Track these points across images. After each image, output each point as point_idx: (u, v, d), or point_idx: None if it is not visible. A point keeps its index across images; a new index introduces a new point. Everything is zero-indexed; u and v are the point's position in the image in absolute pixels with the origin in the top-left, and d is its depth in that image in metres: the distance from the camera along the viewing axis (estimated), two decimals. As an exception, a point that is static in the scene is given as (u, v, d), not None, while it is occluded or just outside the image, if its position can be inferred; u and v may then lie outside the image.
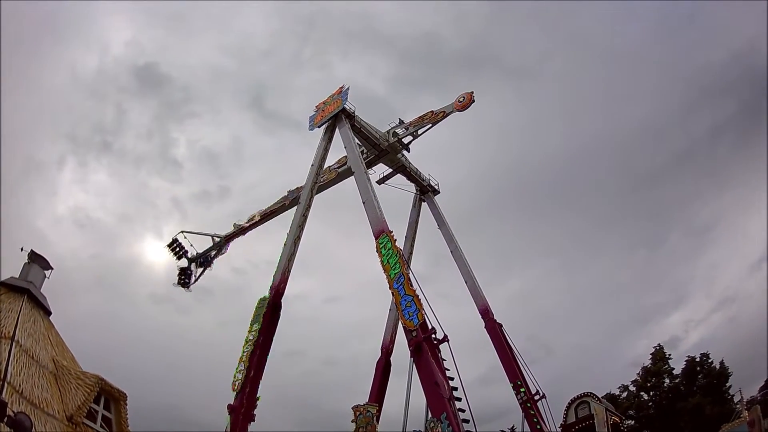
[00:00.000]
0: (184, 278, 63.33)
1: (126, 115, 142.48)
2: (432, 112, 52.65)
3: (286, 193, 58.40)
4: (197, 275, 63.86)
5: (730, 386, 62.95)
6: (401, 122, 53.91)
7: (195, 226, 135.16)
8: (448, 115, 51.83)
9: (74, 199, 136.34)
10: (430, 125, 52.72)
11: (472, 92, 51.61)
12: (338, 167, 54.80)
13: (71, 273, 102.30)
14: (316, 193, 51.69)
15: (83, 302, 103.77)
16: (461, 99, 51.61)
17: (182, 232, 63.83)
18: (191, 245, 63.67)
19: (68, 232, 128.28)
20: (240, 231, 62.66)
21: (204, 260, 63.70)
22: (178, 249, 63.40)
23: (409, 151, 54.41)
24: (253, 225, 61.98)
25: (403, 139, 53.30)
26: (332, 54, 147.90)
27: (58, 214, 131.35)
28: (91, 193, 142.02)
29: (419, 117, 53.13)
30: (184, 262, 63.58)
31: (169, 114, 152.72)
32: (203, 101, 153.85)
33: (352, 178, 48.42)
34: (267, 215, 60.46)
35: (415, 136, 53.60)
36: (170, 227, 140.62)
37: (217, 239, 63.54)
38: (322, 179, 53.55)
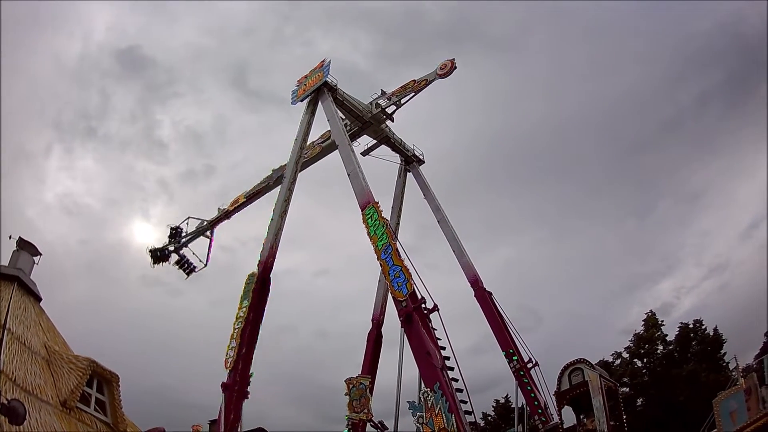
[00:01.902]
0: (159, 255, 64.28)
1: (110, 100, 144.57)
2: (414, 80, 53.53)
3: (270, 173, 59.30)
4: (171, 262, 65.00)
5: (724, 353, 63.66)
6: (383, 93, 54.76)
7: (182, 207, 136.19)
8: (430, 82, 52.74)
9: (62, 186, 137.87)
10: (413, 93, 53.49)
11: (454, 59, 52.69)
12: (322, 142, 55.83)
13: (61, 259, 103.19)
14: (302, 169, 52.79)
15: (74, 288, 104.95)
16: (443, 66, 52.56)
17: (189, 217, 65.12)
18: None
19: (57, 219, 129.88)
20: (225, 215, 63.41)
21: (185, 262, 64.59)
22: (173, 235, 64.59)
23: (393, 121, 55.33)
24: (237, 207, 62.58)
25: (386, 109, 54.11)
26: (314, 30, 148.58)
27: (46, 202, 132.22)
28: (78, 179, 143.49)
29: (401, 86, 54.00)
30: (174, 257, 64.73)
31: (153, 96, 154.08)
32: (186, 82, 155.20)
33: (336, 151, 49.18)
34: (252, 196, 61.07)
35: (399, 106, 54.37)
36: (158, 209, 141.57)
37: (204, 225, 64.25)
38: (307, 155, 54.51)
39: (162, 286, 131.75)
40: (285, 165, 53.42)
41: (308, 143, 54.45)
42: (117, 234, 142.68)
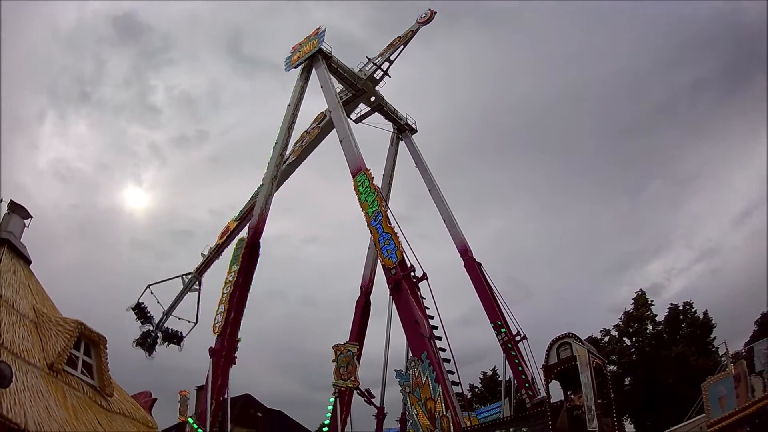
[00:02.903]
0: (149, 342, 57.16)
1: (105, 66, 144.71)
2: (399, 36, 55.33)
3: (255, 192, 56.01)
4: (161, 342, 57.84)
5: (714, 338, 64.63)
6: (369, 60, 55.53)
7: (173, 173, 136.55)
8: (415, 32, 54.81)
9: (55, 151, 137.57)
10: (402, 46, 55.02)
11: (434, 10, 55.66)
12: (318, 124, 55.70)
13: (52, 224, 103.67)
14: (303, 158, 53.32)
15: (65, 252, 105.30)
16: (423, 15, 55.43)
17: (149, 286, 57.28)
18: (158, 302, 57.78)
19: (50, 184, 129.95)
20: (215, 253, 58.46)
21: (172, 335, 57.58)
22: (141, 315, 57.25)
23: (389, 76, 56.01)
24: (229, 237, 57.26)
25: (382, 66, 55.17)
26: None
27: (39, 168, 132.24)
28: (72, 144, 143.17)
29: (389, 45, 55.61)
30: (147, 327, 57.80)
31: (148, 62, 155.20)
32: (181, 48, 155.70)
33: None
34: (243, 218, 56.84)
35: (391, 62, 55.31)
36: (150, 173, 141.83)
37: (187, 277, 58.74)
38: (304, 143, 55.43)
39: (151, 250, 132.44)
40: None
41: (304, 130, 55.62)
42: (109, 198, 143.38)
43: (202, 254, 58.70)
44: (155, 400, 36.21)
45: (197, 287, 58.06)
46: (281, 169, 52.02)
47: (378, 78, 55.33)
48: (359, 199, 39.84)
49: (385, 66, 55.12)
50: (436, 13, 55.08)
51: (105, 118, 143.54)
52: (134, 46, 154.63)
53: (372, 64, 55.20)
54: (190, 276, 58.15)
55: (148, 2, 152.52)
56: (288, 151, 53.77)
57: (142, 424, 26.71)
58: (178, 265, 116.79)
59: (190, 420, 40.72)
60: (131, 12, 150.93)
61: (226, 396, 42.28)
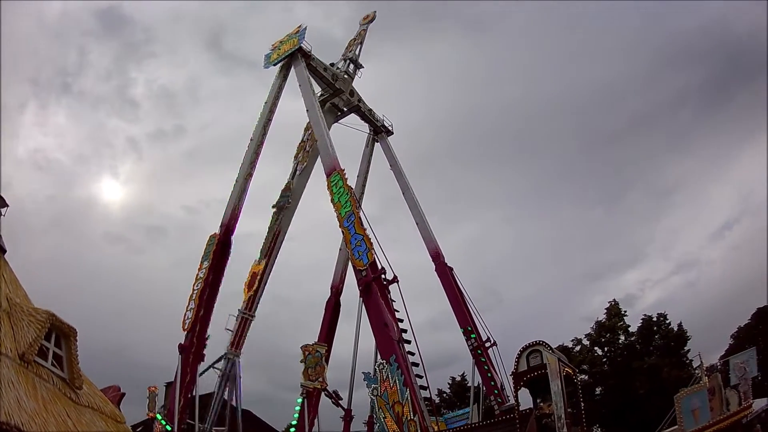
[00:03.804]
0: None
1: (87, 57, 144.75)
2: (353, 39, 59.03)
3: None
4: None
5: (688, 350, 65.41)
6: (333, 64, 56.94)
7: (149, 167, 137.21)
8: (366, 31, 59.67)
9: (34, 141, 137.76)
10: (359, 46, 58.72)
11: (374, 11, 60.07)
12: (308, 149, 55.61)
13: (29, 214, 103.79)
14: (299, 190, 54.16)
15: (39, 242, 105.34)
16: (365, 17, 60.35)
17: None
18: None
19: (27, 174, 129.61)
20: (248, 317, 48.95)
21: None
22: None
23: (362, 67, 58.33)
24: (259, 285, 50.38)
25: (348, 69, 57.52)
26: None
27: (18, 157, 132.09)
28: (51, 135, 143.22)
29: (347, 48, 59.00)
30: None
31: (130, 55, 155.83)
32: (163, 42, 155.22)
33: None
34: (269, 255, 51.49)
35: (356, 63, 58.20)
36: (126, 167, 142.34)
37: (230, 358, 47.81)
38: (302, 167, 55.12)
39: (124, 243, 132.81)
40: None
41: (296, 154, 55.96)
42: (85, 190, 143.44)
43: (228, 329, 47.86)
44: (124, 394, 36.78)
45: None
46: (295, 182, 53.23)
47: (353, 75, 57.06)
48: (332, 199, 40.62)
49: (351, 68, 57.02)
50: (375, 18, 59.52)
51: (85, 109, 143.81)
52: (117, 38, 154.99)
53: (337, 68, 56.52)
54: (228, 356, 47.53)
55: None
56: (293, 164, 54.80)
57: (111, 418, 27.13)
58: (150, 262, 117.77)
59: (159, 416, 41.20)
60: (115, 4, 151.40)
61: (194, 393, 42.81)
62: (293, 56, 52.36)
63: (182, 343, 43.20)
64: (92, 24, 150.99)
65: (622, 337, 68.78)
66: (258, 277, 49.70)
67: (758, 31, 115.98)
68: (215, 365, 46.81)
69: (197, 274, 45.87)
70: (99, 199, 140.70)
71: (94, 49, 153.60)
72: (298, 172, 53.63)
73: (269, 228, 52.48)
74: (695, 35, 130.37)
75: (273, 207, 53.26)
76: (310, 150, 54.48)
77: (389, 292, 37.00)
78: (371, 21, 59.60)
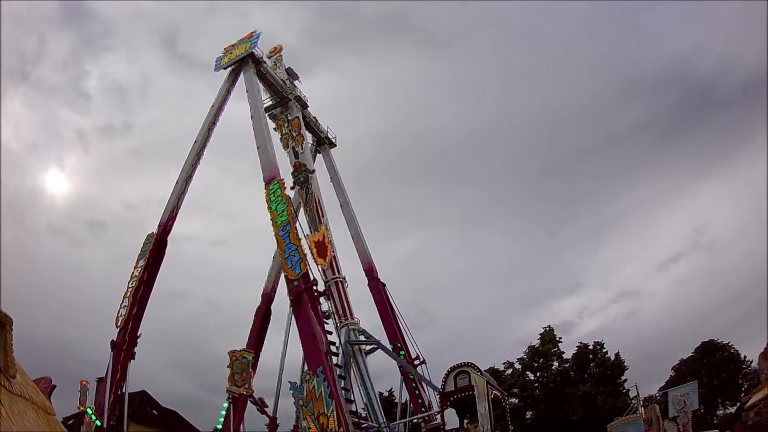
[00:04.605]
0: None
1: (47, 46, 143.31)
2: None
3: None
4: None
5: (625, 380, 66.32)
6: (290, 70, 57.92)
7: (95, 161, 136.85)
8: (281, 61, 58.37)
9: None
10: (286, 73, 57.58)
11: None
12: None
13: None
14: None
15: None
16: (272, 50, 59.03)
17: None
18: None
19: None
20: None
21: None
22: None
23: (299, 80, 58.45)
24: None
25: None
26: (251, 1, 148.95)
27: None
28: (5, 122, 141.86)
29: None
30: None
31: (87, 47, 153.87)
32: (121, 37, 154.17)
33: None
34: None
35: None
36: (72, 159, 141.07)
37: None
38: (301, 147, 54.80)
39: (66, 236, 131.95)
40: None
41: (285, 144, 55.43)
42: (32, 180, 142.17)
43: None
44: (54, 387, 36.82)
45: None
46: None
47: (304, 103, 57.07)
48: (269, 207, 41.22)
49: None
50: (281, 45, 59.59)
51: (39, 98, 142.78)
52: (77, 28, 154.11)
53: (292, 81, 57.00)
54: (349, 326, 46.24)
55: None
56: None
57: (42, 409, 27.23)
58: (88, 257, 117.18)
59: (89, 411, 41.28)
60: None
61: (123, 390, 43.04)
62: (244, 61, 52.80)
63: (114, 339, 43.40)
64: (55, 11, 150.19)
65: (556, 363, 69.63)
66: (325, 240, 47.50)
67: (721, 66, 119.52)
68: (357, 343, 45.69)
69: (133, 272, 46.11)
70: (45, 190, 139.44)
71: (54, 38, 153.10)
72: (301, 151, 53.38)
73: (304, 202, 52.02)
74: (658, 66, 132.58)
75: (293, 186, 52.09)
76: (299, 132, 54.40)
77: (320, 304, 37.65)
78: (279, 52, 58.92)
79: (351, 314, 46.40)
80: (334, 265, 48.32)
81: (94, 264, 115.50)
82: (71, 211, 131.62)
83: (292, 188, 51.68)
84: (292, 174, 52.02)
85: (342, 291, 47.35)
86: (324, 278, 47.23)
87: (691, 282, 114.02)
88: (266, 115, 51.83)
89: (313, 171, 53.14)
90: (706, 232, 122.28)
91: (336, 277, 47.59)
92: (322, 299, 38.63)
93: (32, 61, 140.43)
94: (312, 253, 44.08)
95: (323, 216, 51.28)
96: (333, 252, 48.51)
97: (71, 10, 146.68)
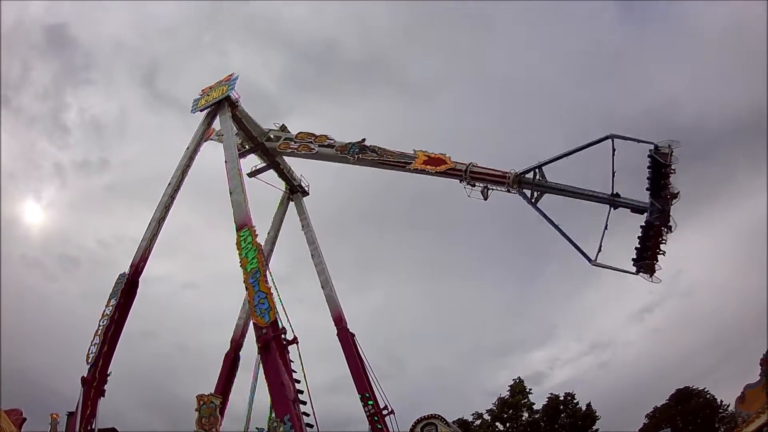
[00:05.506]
0: None
1: (29, 73, 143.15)
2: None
3: None
4: None
5: (597, 430, 66.67)
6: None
7: (70, 196, 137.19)
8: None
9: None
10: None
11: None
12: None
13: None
14: None
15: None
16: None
17: None
18: None
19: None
20: None
21: None
22: None
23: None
24: None
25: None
26: (231, 43, 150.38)
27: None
28: None
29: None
30: None
31: (68, 78, 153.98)
32: (101, 70, 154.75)
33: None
34: None
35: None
36: (50, 192, 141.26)
37: None
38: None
39: (39, 269, 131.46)
40: None
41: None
42: (9, 209, 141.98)
43: None
44: (25, 419, 37.16)
45: None
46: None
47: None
48: (240, 254, 41.62)
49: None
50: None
51: (18, 126, 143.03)
52: (59, 58, 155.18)
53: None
54: None
55: (82, 17, 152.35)
56: None
57: None
58: (61, 290, 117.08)
59: (61, 445, 41.36)
60: (64, 23, 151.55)
61: (93, 426, 43.09)
62: (220, 104, 53.40)
63: (85, 375, 43.43)
64: (39, 39, 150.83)
65: (526, 414, 70.04)
66: None
67: (701, 118, 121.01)
68: None
69: (104, 311, 46.12)
70: (21, 220, 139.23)
71: (37, 65, 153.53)
72: None
73: None
74: (636, 118, 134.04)
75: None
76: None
77: (288, 352, 37.99)
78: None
79: None
80: None
81: (66, 298, 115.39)
82: (46, 243, 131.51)
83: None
84: None
85: None
86: None
87: (666, 331, 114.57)
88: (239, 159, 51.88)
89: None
90: (682, 280, 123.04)
91: None
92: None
93: (14, 87, 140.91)
94: None
95: None
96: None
97: (55, 38, 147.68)
